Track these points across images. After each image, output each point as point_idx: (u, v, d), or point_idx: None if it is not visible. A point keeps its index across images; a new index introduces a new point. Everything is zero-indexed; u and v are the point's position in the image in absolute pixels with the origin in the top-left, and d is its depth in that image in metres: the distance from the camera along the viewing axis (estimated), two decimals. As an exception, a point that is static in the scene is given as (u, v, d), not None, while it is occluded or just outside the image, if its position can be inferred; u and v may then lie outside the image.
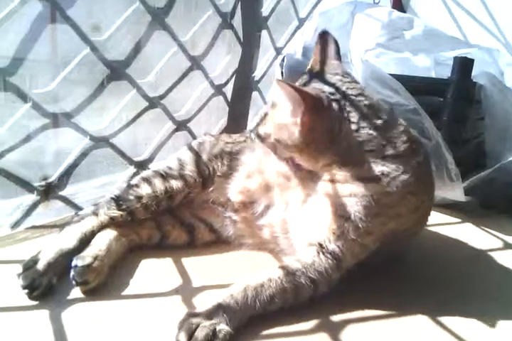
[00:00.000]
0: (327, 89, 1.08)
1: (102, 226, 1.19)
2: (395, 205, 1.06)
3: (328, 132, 1.05)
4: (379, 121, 1.07)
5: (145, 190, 1.24)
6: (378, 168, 1.04)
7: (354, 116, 1.06)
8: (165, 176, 1.27)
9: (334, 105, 1.06)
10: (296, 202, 1.16)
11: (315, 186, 1.12)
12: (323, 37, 1.18)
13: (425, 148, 1.20)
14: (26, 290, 0.98)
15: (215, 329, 0.87)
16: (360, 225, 1.03)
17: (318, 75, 1.14)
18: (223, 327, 0.88)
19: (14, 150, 1.30)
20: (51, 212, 1.39)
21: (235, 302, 0.93)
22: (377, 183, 1.04)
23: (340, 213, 1.05)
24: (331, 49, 1.17)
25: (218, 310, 0.91)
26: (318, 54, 1.17)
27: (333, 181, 1.08)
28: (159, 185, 1.25)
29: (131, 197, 1.23)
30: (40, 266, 1.03)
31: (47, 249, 1.08)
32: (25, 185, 1.33)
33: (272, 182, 1.23)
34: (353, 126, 1.05)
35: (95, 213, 1.20)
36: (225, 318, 0.89)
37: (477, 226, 1.59)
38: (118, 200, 1.22)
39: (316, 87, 1.09)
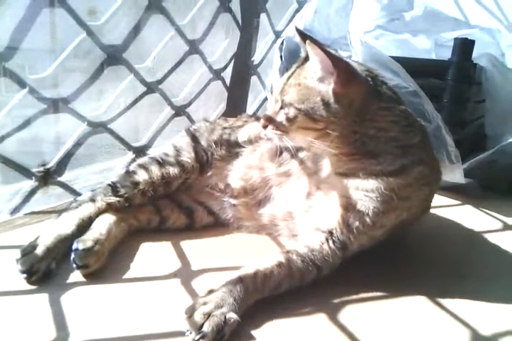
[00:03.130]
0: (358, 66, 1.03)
1: (100, 212, 1.19)
2: (410, 198, 1.05)
3: (360, 107, 1.00)
4: (402, 107, 1.05)
5: (142, 176, 1.24)
6: (398, 160, 1.02)
7: (385, 96, 1.02)
8: (161, 162, 1.27)
9: (369, 80, 1.01)
10: (302, 195, 1.15)
11: (326, 179, 1.11)
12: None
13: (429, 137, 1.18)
14: (25, 275, 0.98)
15: (226, 317, 0.86)
16: (375, 220, 1.03)
17: None
18: (232, 316, 0.87)
19: (12, 135, 1.30)
20: (50, 198, 1.40)
21: (246, 288, 0.92)
22: (397, 177, 1.02)
23: (358, 207, 1.03)
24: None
25: (229, 297, 0.90)
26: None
27: (347, 175, 1.05)
28: (156, 171, 1.25)
29: (128, 184, 1.23)
30: (39, 251, 1.03)
31: (45, 234, 1.09)
32: (24, 171, 1.33)
33: (272, 178, 1.22)
34: (384, 105, 1.02)
35: (92, 199, 1.20)
36: (234, 306, 0.89)
37: (477, 208, 1.59)
38: (115, 187, 1.22)
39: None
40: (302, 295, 1.00)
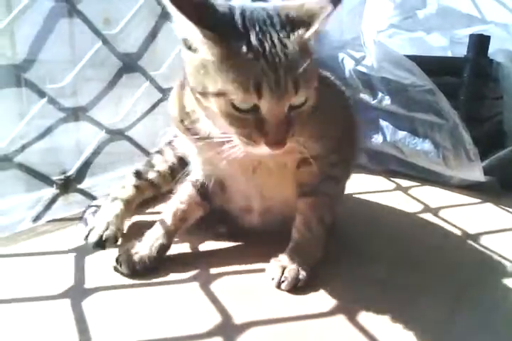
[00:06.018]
0: None
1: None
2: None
3: None
4: None
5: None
6: None
7: None
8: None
9: None
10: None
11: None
12: None
13: None
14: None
15: (299, 271, 1.04)
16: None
17: None
18: (302, 273, 1.04)
19: (32, 145, 1.33)
20: (71, 205, 1.42)
21: (300, 251, 1.08)
22: None
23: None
24: None
25: (294, 260, 1.06)
26: None
27: None
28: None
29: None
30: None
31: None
32: (45, 179, 1.36)
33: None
34: None
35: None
36: (301, 264, 1.05)
37: (497, 206, 1.57)
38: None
39: None
40: (319, 296, 1.01)
